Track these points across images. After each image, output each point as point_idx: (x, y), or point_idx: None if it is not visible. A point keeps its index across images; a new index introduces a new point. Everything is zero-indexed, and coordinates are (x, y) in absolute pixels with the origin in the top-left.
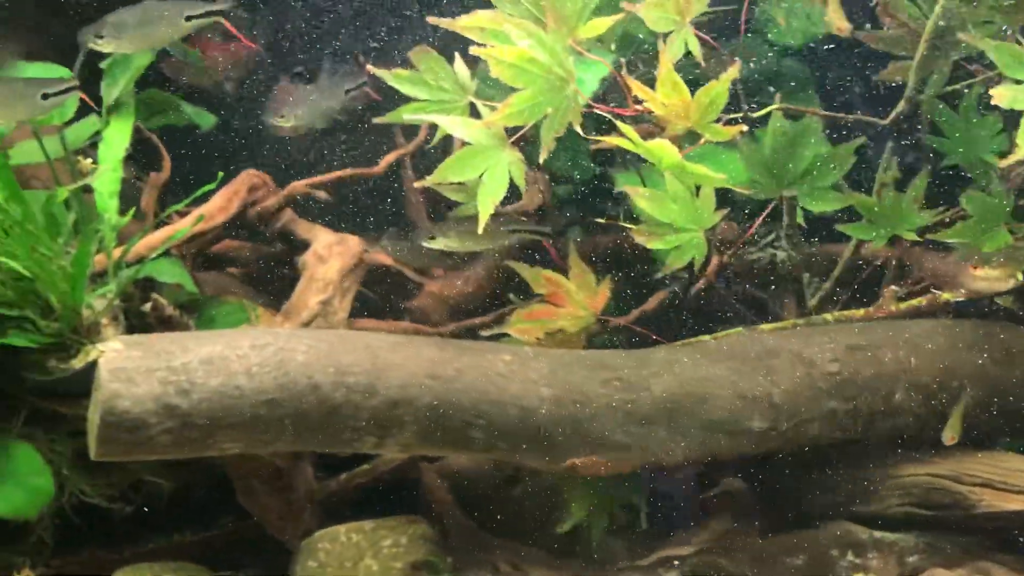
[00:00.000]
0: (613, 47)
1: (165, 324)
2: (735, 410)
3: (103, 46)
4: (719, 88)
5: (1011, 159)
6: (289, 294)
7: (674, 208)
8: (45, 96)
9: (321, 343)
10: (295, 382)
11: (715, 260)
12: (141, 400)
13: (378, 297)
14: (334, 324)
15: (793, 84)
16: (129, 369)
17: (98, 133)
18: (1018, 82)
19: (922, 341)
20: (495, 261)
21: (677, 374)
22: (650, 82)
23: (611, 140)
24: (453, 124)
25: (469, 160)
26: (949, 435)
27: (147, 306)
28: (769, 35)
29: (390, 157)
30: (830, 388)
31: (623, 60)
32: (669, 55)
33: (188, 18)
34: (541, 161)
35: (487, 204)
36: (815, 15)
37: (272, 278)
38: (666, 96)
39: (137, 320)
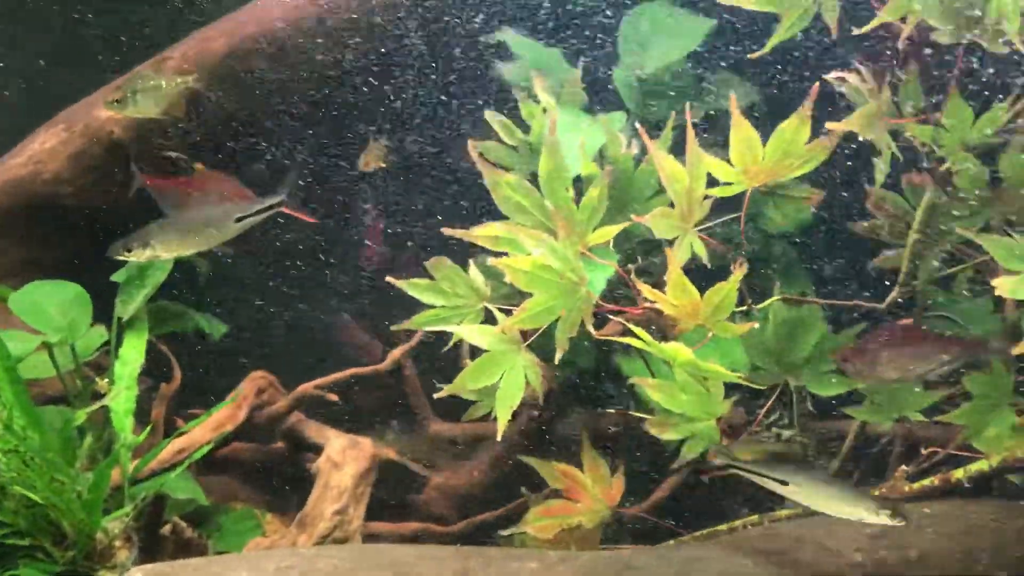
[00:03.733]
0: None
1: (183, 548)
2: None
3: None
4: (729, 288)
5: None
6: (292, 494)
7: (685, 398)
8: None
9: (345, 562)
10: None
11: (725, 444)
12: None
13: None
14: (349, 533)
15: (786, 268)
16: None
17: (107, 343)
18: (1017, 272)
19: (940, 524)
20: (501, 451)
21: (705, 572)
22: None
23: (624, 339)
24: (470, 332)
25: (487, 367)
26: None
27: (166, 528)
28: (760, 223)
29: (396, 353)
30: None
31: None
32: (677, 259)
33: (239, 219)
34: (556, 361)
35: (505, 409)
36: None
37: (276, 478)
38: (676, 298)
39: (149, 538)
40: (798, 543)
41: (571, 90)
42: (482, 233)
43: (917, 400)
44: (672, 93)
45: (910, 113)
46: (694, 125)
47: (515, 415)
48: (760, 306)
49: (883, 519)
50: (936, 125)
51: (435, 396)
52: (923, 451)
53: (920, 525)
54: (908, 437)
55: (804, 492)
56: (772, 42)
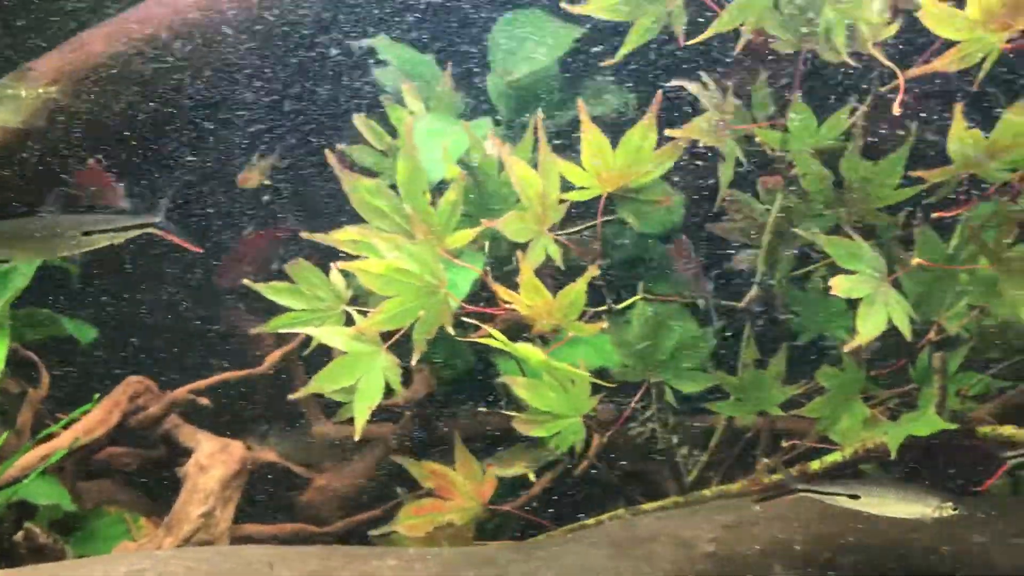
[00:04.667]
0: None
1: (37, 554)
2: None
3: None
4: (578, 289)
5: (854, 343)
6: (169, 498)
7: (552, 396)
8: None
9: (200, 563)
10: None
11: (595, 441)
12: None
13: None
14: (216, 535)
15: (656, 269)
16: None
17: None
18: (853, 272)
19: (794, 515)
20: (384, 451)
21: (562, 566)
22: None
23: (482, 339)
24: (327, 334)
25: (345, 368)
26: None
27: (19, 535)
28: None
29: (275, 355)
30: (709, 569)
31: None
32: (530, 262)
33: (86, 233)
34: (413, 363)
35: (363, 410)
36: (676, 206)
37: (156, 483)
38: (529, 299)
39: (7, 546)
40: (655, 534)
41: (443, 95)
42: (340, 237)
43: (777, 395)
44: (543, 98)
45: (763, 118)
46: (567, 130)
47: (398, 415)
48: (620, 305)
49: (947, 512)
50: (784, 130)
51: (289, 397)
52: (784, 444)
53: (772, 515)
54: (773, 430)
55: (875, 503)
56: (623, 51)
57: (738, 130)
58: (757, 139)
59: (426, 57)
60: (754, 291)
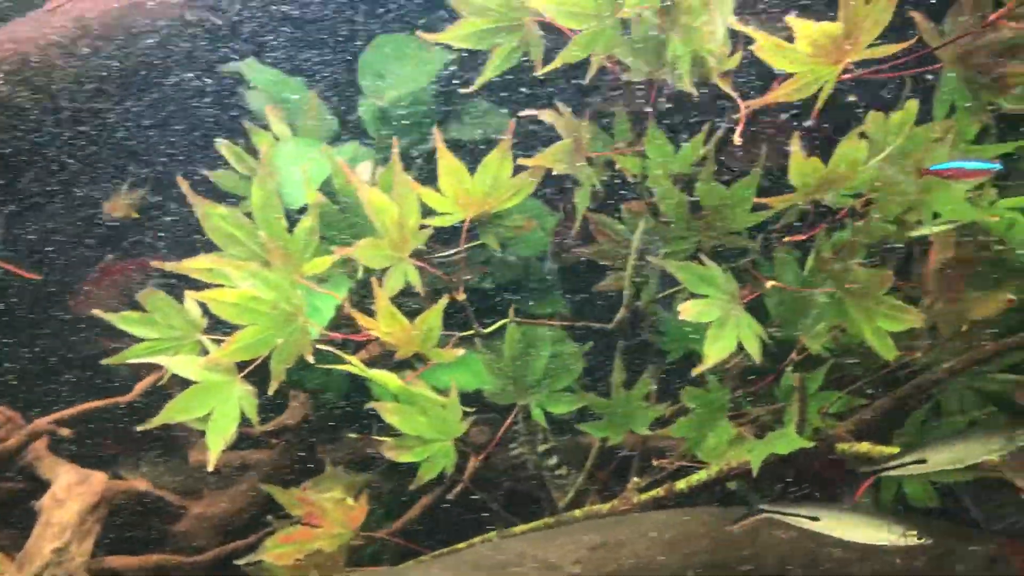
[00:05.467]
0: (361, 273)
1: None
2: None
3: None
4: (434, 316)
5: (701, 367)
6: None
7: (422, 420)
8: None
9: None
10: None
11: (471, 463)
12: None
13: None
14: (72, 570)
15: (540, 290)
16: None
17: None
18: (703, 296)
19: (658, 534)
20: (259, 479)
21: None
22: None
23: (343, 367)
24: (178, 364)
25: (196, 398)
26: None
27: None
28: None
29: (142, 384)
30: None
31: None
32: (387, 289)
33: None
34: (271, 392)
35: (217, 441)
36: (547, 226)
37: (14, 516)
38: (387, 326)
39: None
40: (520, 557)
41: (311, 118)
42: (193, 266)
43: (645, 415)
44: (418, 121)
45: (623, 145)
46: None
47: (274, 441)
48: (487, 330)
49: (912, 540)
50: (643, 156)
51: (138, 428)
52: (654, 462)
53: (637, 535)
54: (647, 449)
55: (834, 525)
56: (481, 80)
57: (597, 157)
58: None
59: (296, 80)
60: (622, 313)
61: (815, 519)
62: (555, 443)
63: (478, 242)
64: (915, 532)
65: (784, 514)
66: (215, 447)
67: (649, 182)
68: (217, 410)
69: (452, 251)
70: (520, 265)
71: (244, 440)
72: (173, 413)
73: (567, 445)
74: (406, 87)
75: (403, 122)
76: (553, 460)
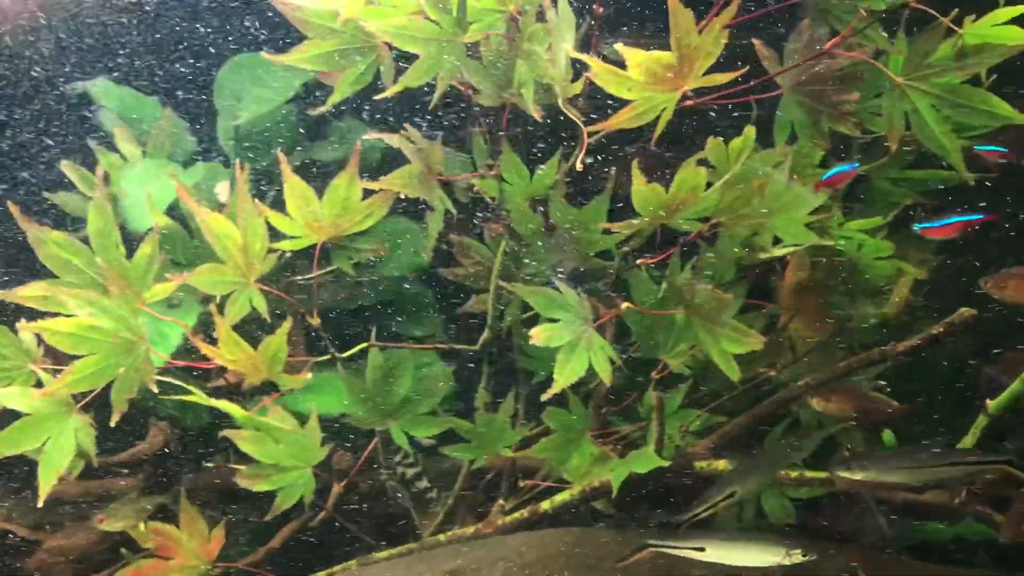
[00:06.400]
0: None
1: None
2: None
3: None
4: (278, 342)
5: (551, 391)
6: None
7: (278, 448)
8: None
9: None
10: None
11: (335, 490)
12: None
13: None
14: None
15: (414, 312)
16: None
17: None
18: (553, 320)
19: (516, 557)
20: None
21: None
22: None
23: (186, 398)
24: (8, 396)
25: (28, 431)
26: None
27: None
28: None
29: None
30: None
31: None
32: (230, 316)
33: None
34: (113, 424)
35: (49, 476)
36: (419, 247)
37: None
38: (230, 353)
39: None
40: None
41: (163, 138)
42: (26, 294)
43: (508, 436)
44: (276, 141)
45: (483, 166)
46: (300, 173)
47: (137, 470)
48: (345, 354)
49: (796, 559)
50: (500, 179)
51: None
52: (522, 484)
53: (496, 558)
54: (516, 470)
55: (722, 554)
56: (331, 101)
57: (459, 179)
58: (475, 188)
59: (150, 99)
60: (486, 335)
61: (701, 550)
62: (424, 467)
63: (334, 267)
64: (799, 551)
65: (671, 547)
66: (46, 480)
67: (507, 205)
68: (51, 443)
69: (308, 276)
70: (389, 287)
71: (106, 470)
72: (2, 447)
73: (440, 468)
74: (262, 107)
75: (260, 143)
76: (423, 483)
